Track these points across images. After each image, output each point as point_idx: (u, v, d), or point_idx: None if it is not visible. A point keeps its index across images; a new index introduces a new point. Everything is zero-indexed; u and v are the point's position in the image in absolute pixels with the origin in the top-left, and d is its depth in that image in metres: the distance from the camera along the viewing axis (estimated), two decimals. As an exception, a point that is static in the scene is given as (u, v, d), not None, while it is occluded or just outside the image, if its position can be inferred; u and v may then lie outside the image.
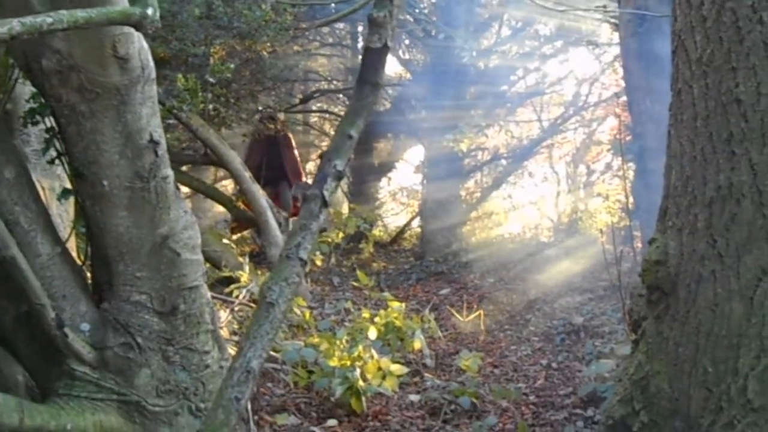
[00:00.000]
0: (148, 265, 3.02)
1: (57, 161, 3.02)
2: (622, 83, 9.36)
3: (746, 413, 2.72)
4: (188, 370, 3.17)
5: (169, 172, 3.03)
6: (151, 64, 2.88)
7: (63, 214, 3.90)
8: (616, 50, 11.00)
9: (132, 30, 2.60)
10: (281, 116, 11.11)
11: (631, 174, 8.33)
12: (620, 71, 10.25)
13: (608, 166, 14.71)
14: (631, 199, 7.44)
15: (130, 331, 3.04)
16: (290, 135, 11.81)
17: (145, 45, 2.83)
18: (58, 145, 2.96)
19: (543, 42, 13.19)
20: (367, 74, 1.75)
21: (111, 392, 3.03)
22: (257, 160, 11.06)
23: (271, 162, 11.09)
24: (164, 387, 3.11)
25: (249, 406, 3.64)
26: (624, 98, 9.72)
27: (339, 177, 1.75)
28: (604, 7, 8.30)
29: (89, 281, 3.21)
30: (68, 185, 3.15)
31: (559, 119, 14.52)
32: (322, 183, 1.72)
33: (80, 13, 1.94)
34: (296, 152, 12.04)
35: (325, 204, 1.71)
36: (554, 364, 5.67)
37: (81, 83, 2.69)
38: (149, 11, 2.15)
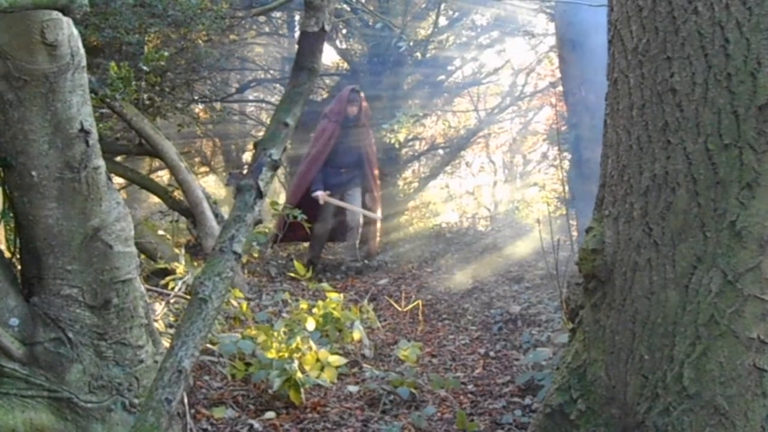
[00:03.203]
0: (79, 258, 2.95)
1: (-17, 151, 2.92)
2: (558, 73, 9.45)
3: (682, 400, 2.75)
4: (122, 365, 3.10)
5: (101, 163, 2.96)
6: (82, 51, 2.80)
7: (-10, 206, 3.80)
8: (552, 40, 11.12)
9: (60, 16, 2.53)
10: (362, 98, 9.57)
11: (566, 163, 8.42)
12: (556, 61, 10.35)
13: (544, 156, 14.90)
14: (567, 189, 7.51)
15: (60, 326, 2.97)
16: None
17: (75, 32, 2.76)
18: (-17, 134, 2.86)
19: (480, 32, 13.26)
20: (304, 59, 1.71)
21: (41, 389, 2.96)
22: (325, 148, 9.48)
23: (342, 154, 9.54)
24: (97, 383, 3.04)
25: (185, 400, 3.59)
26: (559, 88, 9.82)
27: (275, 166, 1.70)
28: (540, -3, 8.35)
29: (18, 275, 3.12)
30: (-5, 176, 3.05)
31: (496, 109, 14.65)
32: (257, 173, 1.67)
33: (4, -3, 1.87)
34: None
35: (260, 195, 1.67)
36: (492, 353, 5.69)
37: (8, 71, 2.61)
38: (77, -5, 2.08)
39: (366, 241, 10.01)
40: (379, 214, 10.13)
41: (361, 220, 9.70)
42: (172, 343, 1.59)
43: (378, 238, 10.34)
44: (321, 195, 9.35)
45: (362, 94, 9.59)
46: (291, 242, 10.64)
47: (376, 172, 10.13)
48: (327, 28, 1.68)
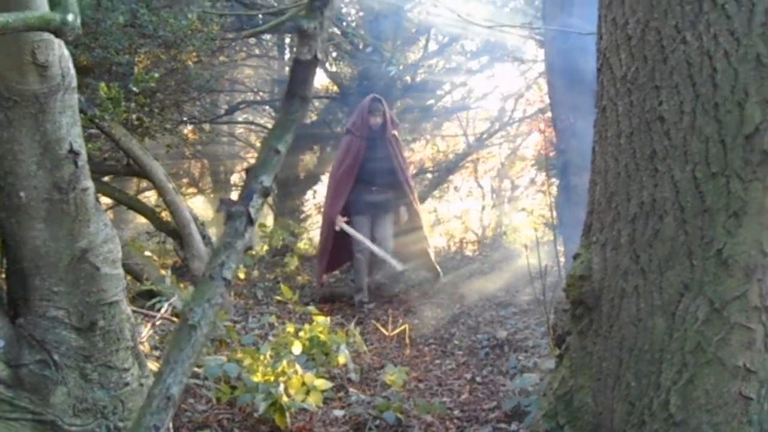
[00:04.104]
0: (65, 279, 2.94)
1: (-29, 171, 2.91)
2: (547, 99, 9.51)
3: (668, 427, 2.75)
4: (107, 388, 3.08)
5: (89, 184, 2.95)
6: (72, 72, 2.80)
7: (-23, 226, 3.78)
8: (541, 66, 11.19)
9: (52, 36, 2.53)
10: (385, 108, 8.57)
11: (554, 189, 8.45)
12: (545, 87, 10.42)
13: (532, 182, 14.98)
14: (554, 214, 7.54)
15: (46, 348, 2.94)
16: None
17: (66, 52, 2.76)
18: (-28, 154, 2.86)
19: (469, 57, 13.34)
20: (296, 87, 1.71)
21: (26, 411, 2.93)
22: (352, 169, 8.51)
23: (372, 170, 8.51)
24: (81, 405, 3.02)
25: (170, 424, 3.56)
26: (548, 114, 9.87)
27: (266, 193, 1.70)
28: (530, 23, 8.41)
29: (4, 296, 3.10)
30: (-17, 196, 3.03)
31: (485, 134, 14.72)
32: (248, 200, 1.67)
33: (-4, 18, 1.87)
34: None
35: (251, 221, 1.66)
36: (478, 378, 5.68)
37: (-3, 90, 2.61)
38: (69, 17, 2.08)
39: (420, 257, 9.12)
40: (425, 230, 9.30)
41: (390, 250, 8.64)
42: (160, 368, 1.58)
43: (432, 254, 9.38)
44: (337, 220, 8.51)
45: (384, 103, 8.64)
46: (339, 267, 9.91)
47: (413, 184, 9.30)
48: (320, 56, 1.69)
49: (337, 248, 8.73)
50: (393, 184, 8.66)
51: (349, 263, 9.21)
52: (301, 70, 1.74)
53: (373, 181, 8.53)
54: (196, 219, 7.73)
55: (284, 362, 4.82)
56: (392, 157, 8.56)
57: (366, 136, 8.47)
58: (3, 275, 3.12)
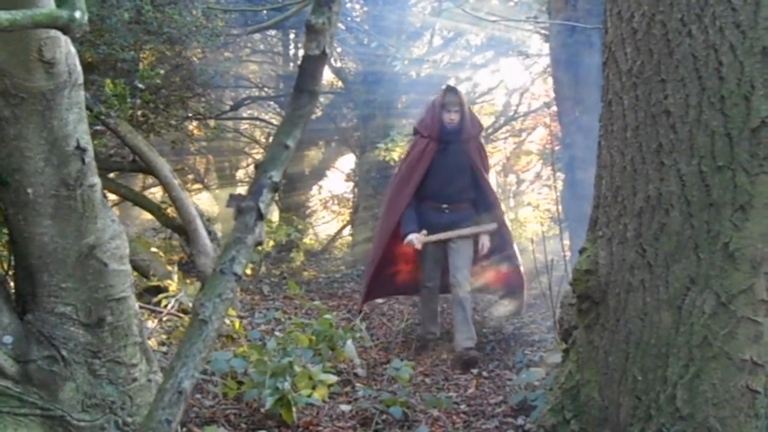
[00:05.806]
0: (73, 275, 2.95)
1: (-21, 168, 2.92)
2: (552, 94, 9.50)
3: (675, 421, 2.75)
4: (115, 383, 3.09)
5: (96, 180, 2.96)
6: (79, 68, 2.81)
7: (-15, 223, 3.79)
8: (546, 61, 11.17)
9: (59, 34, 2.54)
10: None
11: (560, 184, 8.44)
12: (550, 82, 10.41)
13: (538, 176, 14.94)
14: (560, 209, 7.53)
15: (54, 344, 2.96)
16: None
17: (73, 49, 2.76)
18: (-21, 151, 2.86)
19: (474, 52, 13.31)
20: (305, 82, 1.71)
21: (34, 407, 2.94)
22: (412, 174, 6.51)
23: (444, 181, 6.47)
24: (90, 401, 3.03)
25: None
26: (553, 108, 9.86)
27: (275, 188, 1.71)
28: (535, 18, 8.40)
29: (12, 292, 3.11)
30: (-10, 193, 3.04)
31: (490, 129, 14.69)
32: (258, 195, 1.67)
33: (3, 15, 1.87)
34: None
35: (260, 217, 1.67)
36: (485, 373, 5.69)
37: (5, 88, 2.62)
38: (77, 14, 2.09)
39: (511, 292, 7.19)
40: (515, 248, 7.19)
41: (468, 287, 6.60)
42: (171, 363, 1.58)
43: (525, 288, 7.10)
44: (416, 239, 6.41)
45: (462, 96, 6.78)
46: (388, 296, 8.21)
47: (498, 201, 7.04)
48: (327, 51, 1.69)
49: (382, 276, 7.05)
50: (473, 201, 6.68)
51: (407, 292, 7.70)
52: (310, 65, 1.74)
53: (445, 196, 6.56)
54: (201, 215, 7.73)
55: (291, 357, 4.83)
56: (473, 167, 6.56)
57: (438, 137, 6.48)
58: (11, 272, 3.13)
